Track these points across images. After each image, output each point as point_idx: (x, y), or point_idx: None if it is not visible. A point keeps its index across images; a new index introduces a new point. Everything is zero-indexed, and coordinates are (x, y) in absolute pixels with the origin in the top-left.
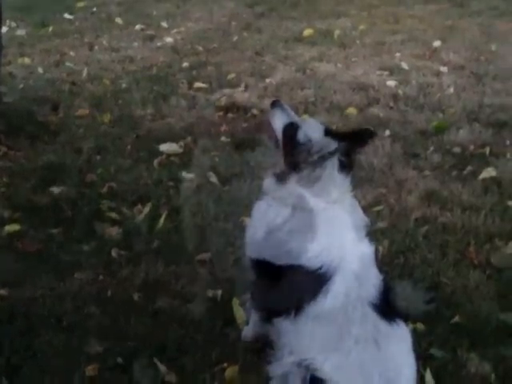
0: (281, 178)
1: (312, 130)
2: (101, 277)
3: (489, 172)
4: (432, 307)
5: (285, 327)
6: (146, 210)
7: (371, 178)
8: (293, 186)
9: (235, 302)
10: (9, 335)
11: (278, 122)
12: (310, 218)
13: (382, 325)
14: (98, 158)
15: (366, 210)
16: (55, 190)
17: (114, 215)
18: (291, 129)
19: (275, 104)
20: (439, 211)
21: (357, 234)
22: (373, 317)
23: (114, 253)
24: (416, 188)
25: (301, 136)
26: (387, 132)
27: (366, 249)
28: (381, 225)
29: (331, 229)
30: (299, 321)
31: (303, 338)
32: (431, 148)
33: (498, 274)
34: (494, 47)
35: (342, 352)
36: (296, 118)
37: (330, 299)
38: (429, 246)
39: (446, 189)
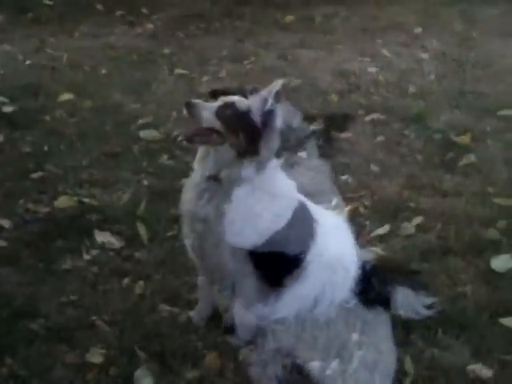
0: (259, 166)
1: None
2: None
3: (469, 158)
4: (433, 312)
5: (266, 314)
6: (126, 196)
7: (353, 163)
8: (271, 172)
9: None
10: (10, 346)
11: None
12: (289, 205)
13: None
14: (79, 144)
15: (348, 195)
16: (35, 175)
17: (94, 202)
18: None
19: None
20: (421, 197)
21: (335, 219)
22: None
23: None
24: (397, 174)
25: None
26: (368, 118)
27: (345, 234)
28: (362, 210)
29: (310, 214)
30: (279, 307)
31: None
32: (412, 134)
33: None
34: (474, 34)
35: None
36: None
37: (308, 284)
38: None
39: (427, 175)
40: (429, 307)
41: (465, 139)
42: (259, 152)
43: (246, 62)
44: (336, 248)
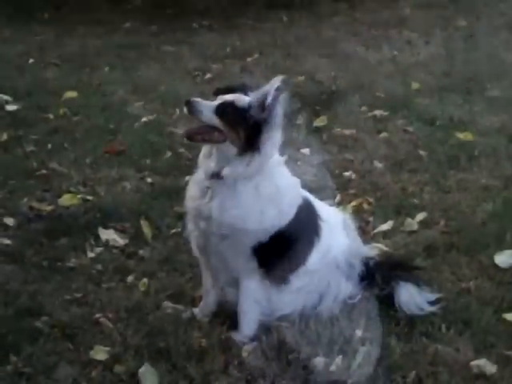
0: (261, 162)
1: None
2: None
3: (473, 154)
4: (437, 308)
5: (272, 310)
6: (130, 194)
7: (356, 160)
8: (275, 169)
9: None
10: (15, 343)
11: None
12: (293, 202)
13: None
14: (83, 142)
15: (351, 192)
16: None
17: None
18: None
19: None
20: (424, 193)
21: (340, 215)
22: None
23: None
24: (401, 170)
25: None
26: (371, 114)
27: (350, 230)
28: (365, 206)
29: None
30: (285, 304)
31: None
32: (416, 131)
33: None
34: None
35: None
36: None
37: (313, 280)
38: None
39: (431, 171)
40: (432, 303)
41: (468, 135)
42: (260, 148)
43: (249, 59)
44: (341, 244)
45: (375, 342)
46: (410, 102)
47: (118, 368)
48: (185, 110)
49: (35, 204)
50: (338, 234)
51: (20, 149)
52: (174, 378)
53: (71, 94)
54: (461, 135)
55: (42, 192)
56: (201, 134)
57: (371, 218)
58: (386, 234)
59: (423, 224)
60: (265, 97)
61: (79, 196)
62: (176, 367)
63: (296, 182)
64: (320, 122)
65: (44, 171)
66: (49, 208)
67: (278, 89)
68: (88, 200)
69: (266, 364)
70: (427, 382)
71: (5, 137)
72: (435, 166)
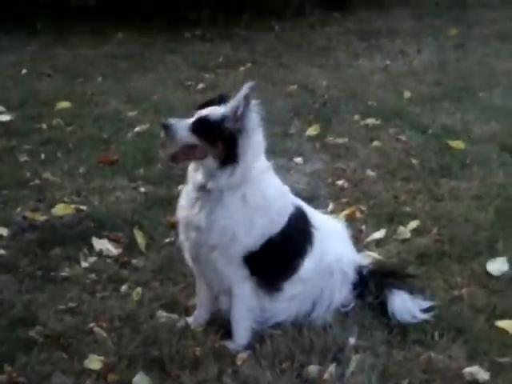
0: (244, 171)
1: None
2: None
3: (465, 162)
4: (430, 316)
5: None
6: (123, 204)
7: (349, 168)
8: (260, 176)
9: None
10: (9, 353)
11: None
12: (284, 210)
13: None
14: (76, 152)
15: (344, 200)
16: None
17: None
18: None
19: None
20: (416, 201)
21: (334, 223)
22: None
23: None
24: (393, 178)
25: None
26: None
27: (343, 238)
28: (358, 215)
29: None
30: (278, 311)
31: None
32: (408, 139)
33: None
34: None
35: None
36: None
37: (307, 288)
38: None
39: (423, 179)
40: (425, 311)
41: (460, 144)
42: (239, 158)
43: (241, 68)
44: (334, 252)
45: (368, 349)
46: (402, 111)
47: (112, 377)
48: (162, 134)
49: (29, 214)
50: (332, 242)
51: (13, 159)
52: None
53: (64, 105)
54: (453, 143)
55: (36, 202)
56: (183, 154)
57: (364, 227)
58: (378, 243)
59: (416, 232)
60: (237, 106)
61: (73, 206)
62: (170, 376)
63: (285, 189)
64: (313, 130)
65: (37, 181)
66: (42, 218)
67: (247, 96)
68: (81, 210)
69: (259, 372)
70: None
71: None
72: (427, 175)
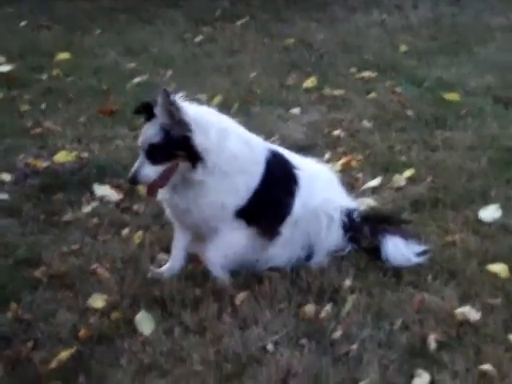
0: (203, 166)
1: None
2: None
3: (459, 114)
4: (424, 259)
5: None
6: (123, 151)
7: (346, 119)
8: (212, 158)
9: None
10: (15, 292)
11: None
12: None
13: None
14: (76, 102)
15: (340, 150)
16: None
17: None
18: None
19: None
20: (412, 151)
21: (318, 166)
22: None
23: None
24: (389, 129)
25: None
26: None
27: (330, 181)
28: (354, 164)
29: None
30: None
31: None
32: (403, 91)
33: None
34: None
35: None
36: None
37: (295, 232)
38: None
39: (418, 130)
40: (419, 254)
41: (455, 96)
42: (203, 154)
43: (239, 22)
44: (319, 196)
45: (364, 290)
46: (398, 64)
47: (116, 315)
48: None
49: (31, 161)
50: (318, 185)
51: (14, 108)
52: (169, 325)
53: (64, 56)
54: (448, 96)
55: (38, 149)
56: (161, 180)
57: (360, 175)
58: (374, 190)
59: (410, 180)
60: (170, 114)
61: (74, 153)
62: (171, 315)
63: (250, 137)
64: (310, 83)
65: (39, 130)
66: (45, 164)
67: (171, 102)
68: (83, 157)
69: (258, 312)
70: (414, 328)
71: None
72: (422, 126)
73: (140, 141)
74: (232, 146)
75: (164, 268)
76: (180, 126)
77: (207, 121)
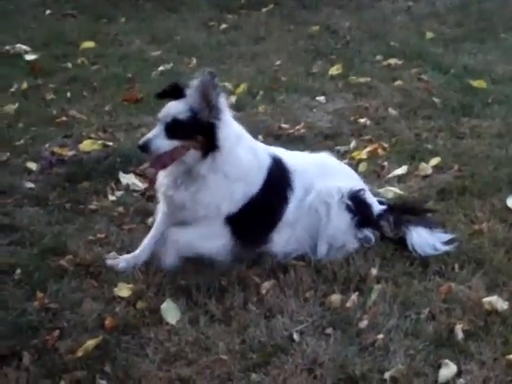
0: (212, 158)
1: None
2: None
3: (486, 101)
4: (451, 248)
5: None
6: None
7: (371, 107)
8: (225, 153)
9: None
10: (41, 281)
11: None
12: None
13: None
14: (101, 90)
15: (366, 137)
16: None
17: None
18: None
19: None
20: (438, 139)
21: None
22: None
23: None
24: (415, 117)
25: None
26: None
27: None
28: (380, 152)
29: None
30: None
31: None
32: (430, 79)
33: None
34: None
35: None
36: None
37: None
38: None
39: (445, 118)
40: (446, 243)
41: (481, 83)
42: (220, 145)
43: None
44: (314, 188)
45: (390, 280)
46: (425, 52)
47: (141, 304)
48: (139, 152)
49: (57, 149)
50: (311, 178)
51: (40, 97)
52: (195, 314)
53: (89, 44)
54: (474, 83)
55: (63, 138)
56: (167, 157)
57: (386, 163)
58: (400, 178)
59: (437, 169)
60: (204, 96)
61: (99, 142)
62: (197, 303)
63: (257, 146)
64: (335, 70)
65: (64, 118)
66: (70, 153)
67: (214, 85)
68: (108, 146)
69: (283, 301)
70: (440, 318)
71: (25, 85)
72: (449, 113)
73: (162, 113)
74: (241, 154)
75: (128, 256)
76: (210, 111)
77: (232, 120)
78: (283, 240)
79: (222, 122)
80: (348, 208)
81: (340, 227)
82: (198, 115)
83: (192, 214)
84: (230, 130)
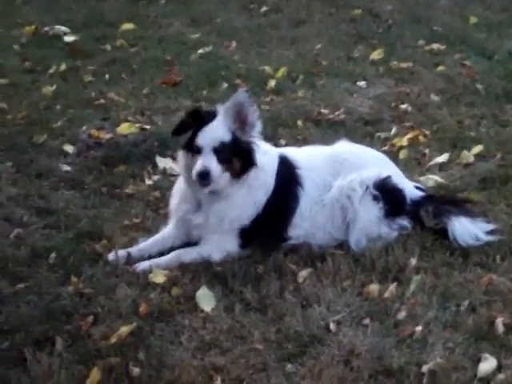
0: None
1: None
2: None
3: None
4: (493, 238)
5: None
6: None
7: (413, 93)
8: (257, 170)
9: None
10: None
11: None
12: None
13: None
14: (140, 73)
15: (407, 124)
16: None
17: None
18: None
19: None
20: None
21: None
22: None
23: None
24: (458, 103)
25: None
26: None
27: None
28: (422, 139)
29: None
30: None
31: None
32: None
33: None
34: None
35: None
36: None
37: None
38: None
39: (488, 105)
40: (488, 233)
41: None
42: (255, 163)
43: None
44: (337, 184)
45: (429, 270)
46: (468, 37)
47: (176, 291)
48: (198, 181)
49: (94, 132)
50: (325, 176)
51: (78, 79)
52: (230, 301)
53: (128, 26)
54: None
55: (101, 121)
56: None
57: (427, 151)
58: (441, 166)
59: (479, 157)
60: (244, 115)
61: (137, 125)
62: (232, 291)
63: (268, 149)
64: (376, 55)
65: (102, 101)
66: (107, 136)
67: (250, 104)
68: (146, 129)
69: (320, 290)
70: (481, 310)
71: (63, 67)
72: (492, 100)
73: (206, 140)
74: (262, 162)
75: (132, 250)
76: (246, 131)
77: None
78: (302, 235)
79: (256, 143)
80: (376, 198)
81: (370, 219)
82: (236, 135)
83: (214, 230)
84: (261, 151)
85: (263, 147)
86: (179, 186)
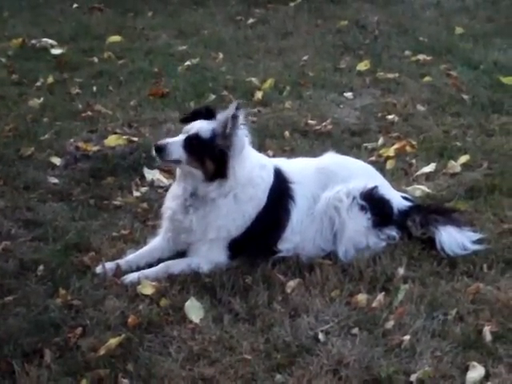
0: (217, 184)
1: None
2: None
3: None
4: (480, 247)
5: None
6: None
7: (400, 103)
8: (231, 182)
9: None
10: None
11: None
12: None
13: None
14: (127, 85)
15: (394, 134)
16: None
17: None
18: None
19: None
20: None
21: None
22: None
23: None
24: (444, 113)
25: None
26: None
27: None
28: (408, 149)
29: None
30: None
31: None
32: (459, 75)
33: None
34: None
35: None
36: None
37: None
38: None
39: (474, 114)
40: (475, 242)
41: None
42: (228, 174)
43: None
44: (319, 197)
45: (417, 280)
46: (454, 47)
47: (165, 302)
48: (153, 153)
49: (81, 144)
50: (315, 189)
51: (65, 91)
52: (218, 312)
53: (115, 39)
54: (505, 79)
55: (88, 133)
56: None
57: (414, 161)
58: (428, 176)
59: (466, 166)
60: (226, 124)
61: (125, 137)
62: (221, 302)
63: (263, 162)
64: (363, 66)
65: (89, 113)
66: (95, 148)
67: (234, 116)
68: (133, 141)
69: (309, 300)
70: (468, 319)
71: (50, 79)
72: (478, 110)
73: (189, 126)
74: (254, 177)
75: (120, 261)
76: (227, 141)
77: (250, 155)
78: (292, 248)
79: (233, 156)
80: (363, 209)
81: (358, 229)
82: (216, 139)
83: (199, 237)
84: (245, 166)
85: (261, 160)
86: (172, 189)
